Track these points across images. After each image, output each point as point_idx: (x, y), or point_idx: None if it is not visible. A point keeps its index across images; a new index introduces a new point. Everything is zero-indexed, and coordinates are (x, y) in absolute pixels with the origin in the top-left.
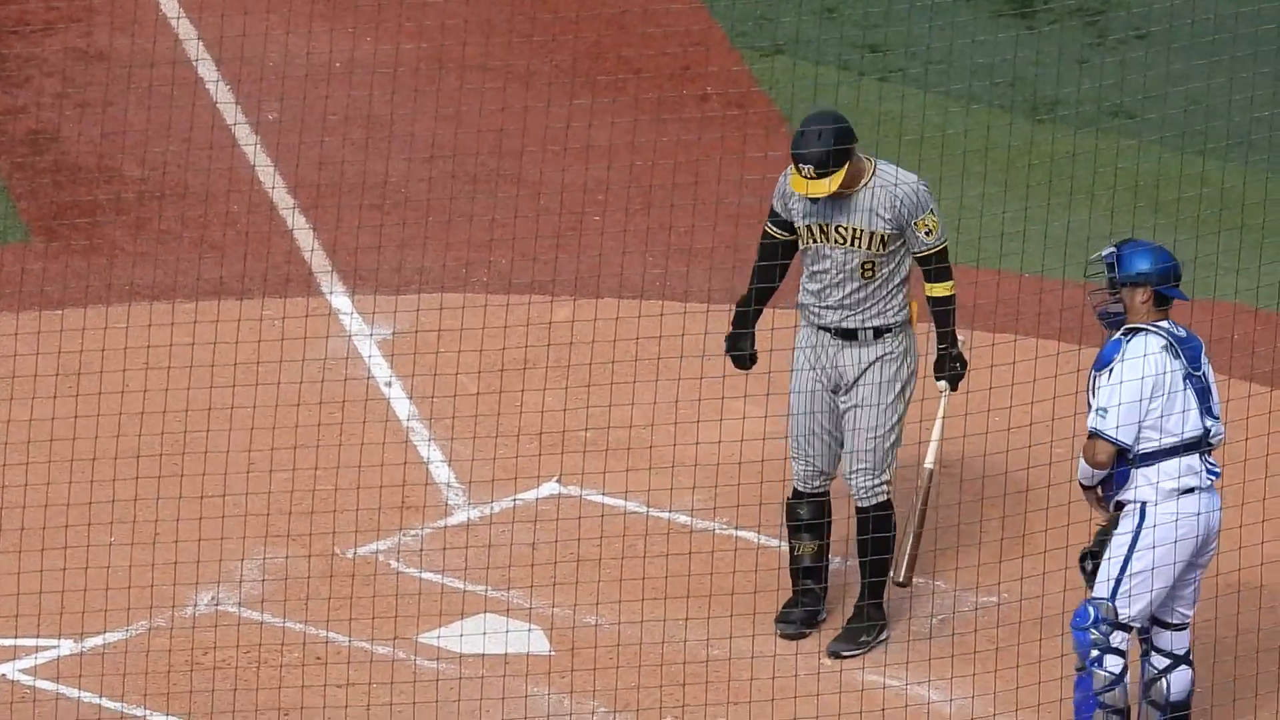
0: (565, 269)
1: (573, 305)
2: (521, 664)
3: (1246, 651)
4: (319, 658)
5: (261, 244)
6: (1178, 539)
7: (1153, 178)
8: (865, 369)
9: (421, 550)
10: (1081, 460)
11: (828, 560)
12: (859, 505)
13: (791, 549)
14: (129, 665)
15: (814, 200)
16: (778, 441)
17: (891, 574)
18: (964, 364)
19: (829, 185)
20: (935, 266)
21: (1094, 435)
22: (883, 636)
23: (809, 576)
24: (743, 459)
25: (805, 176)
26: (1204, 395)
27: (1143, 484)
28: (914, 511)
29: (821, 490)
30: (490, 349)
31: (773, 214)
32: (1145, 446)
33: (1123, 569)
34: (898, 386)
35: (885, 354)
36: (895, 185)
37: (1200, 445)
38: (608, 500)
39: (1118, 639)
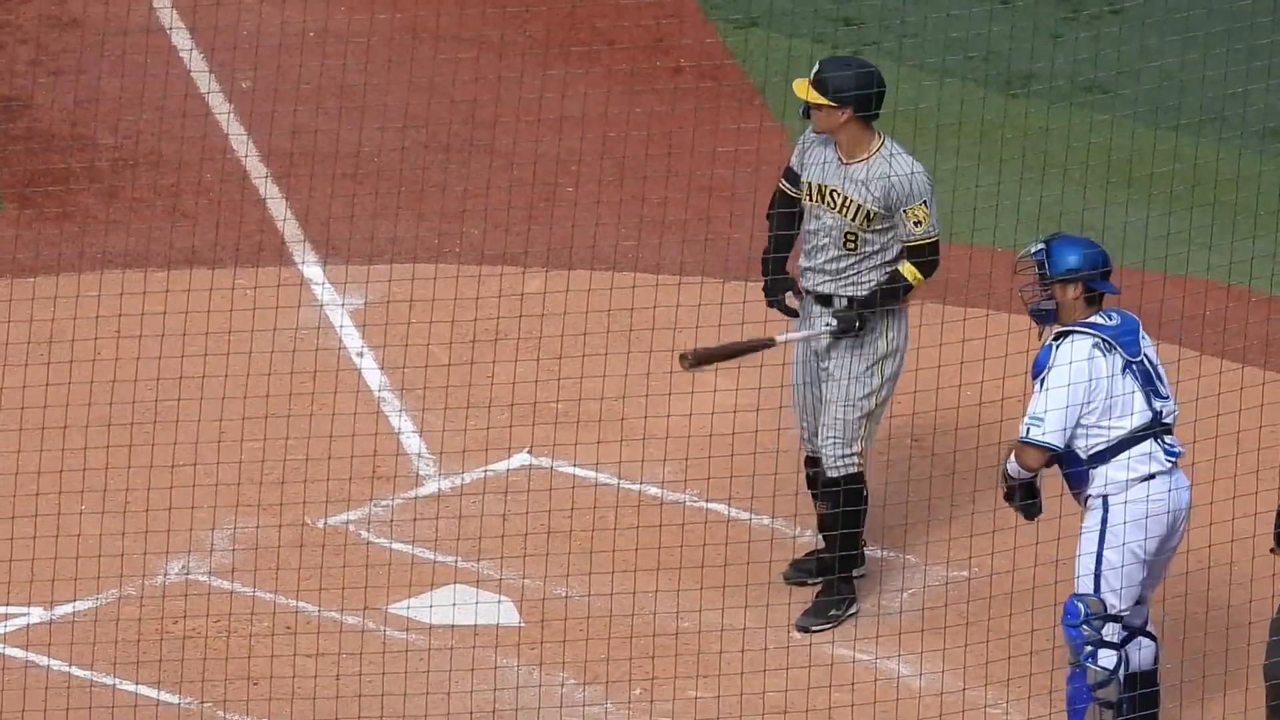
0: (538, 240)
1: (545, 276)
2: (491, 635)
3: (1217, 627)
4: (289, 627)
5: (234, 213)
6: (1147, 526)
7: (1126, 153)
8: (839, 340)
9: (392, 520)
10: (1011, 459)
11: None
12: (829, 475)
13: (817, 509)
14: (99, 634)
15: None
16: (748, 414)
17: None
18: (857, 323)
19: (807, 94)
20: (917, 259)
21: (1025, 443)
22: (852, 611)
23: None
24: (714, 432)
25: (807, 77)
26: (1148, 379)
27: (1100, 480)
28: (768, 338)
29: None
30: (462, 320)
31: (788, 170)
32: (1096, 445)
33: (1098, 562)
34: (869, 359)
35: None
36: (891, 168)
37: (1153, 428)
38: (579, 472)
39: (1109, 631)
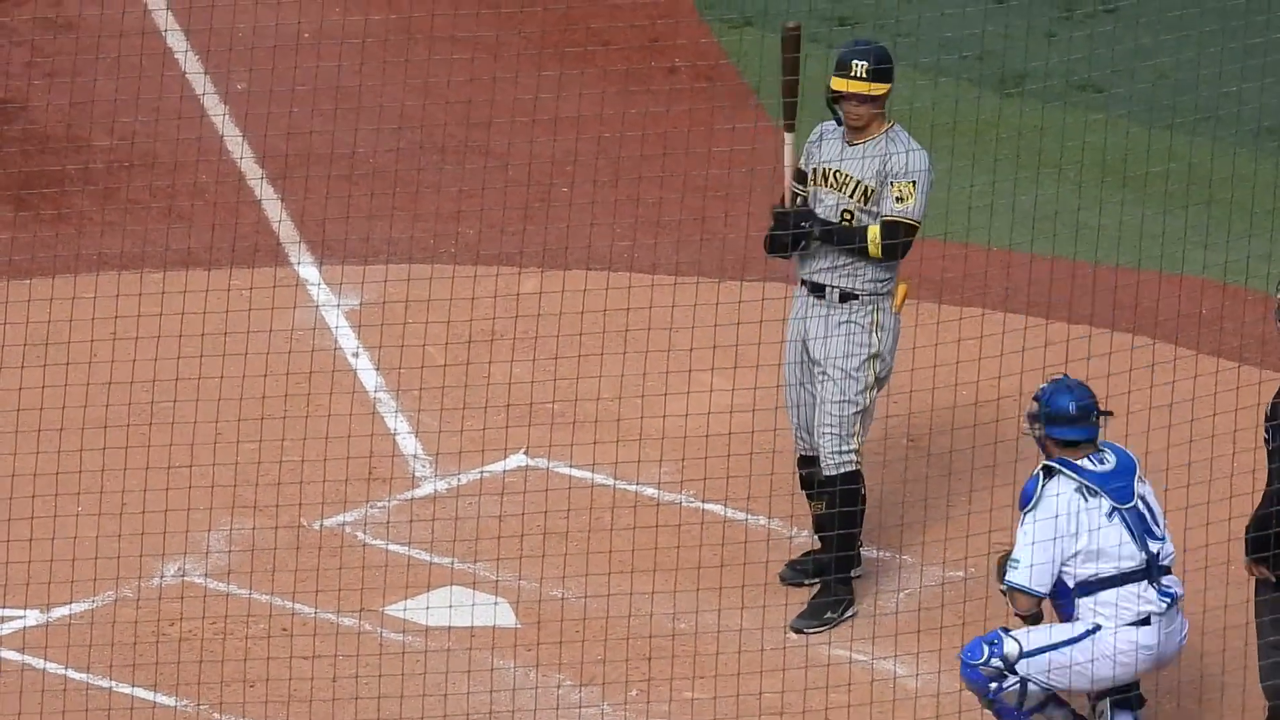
0: (533, 240)
1: (540, 277)
2: (488, 637)
3: (1213, 628)
4: (285, 629)
5: (230, 214)
6: (1118, 665)
7: (1121, 152)
8: (830, 336)
9: (388, 522)
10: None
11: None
12: (825, 474)
13: (811, 510)
14: (95, 636)
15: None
16: (744, 414)
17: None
18: (775, 228)
19: (868, 89)
20: (888, 236)
21: (1010, 588)
22: (849, 613)
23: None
24: (710, 432)
25: (855, 76)
26: (1141, 522)
27: (1088, 611)
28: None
29: (814, 450)
30: (458, 320)
31: (798, 173)
32: (1083, 575)
33: (1051, 651)
34: (862, 356)
35: (850, 321)
36: (892, 144)
37: (1150, 572)
38: (575, 473)
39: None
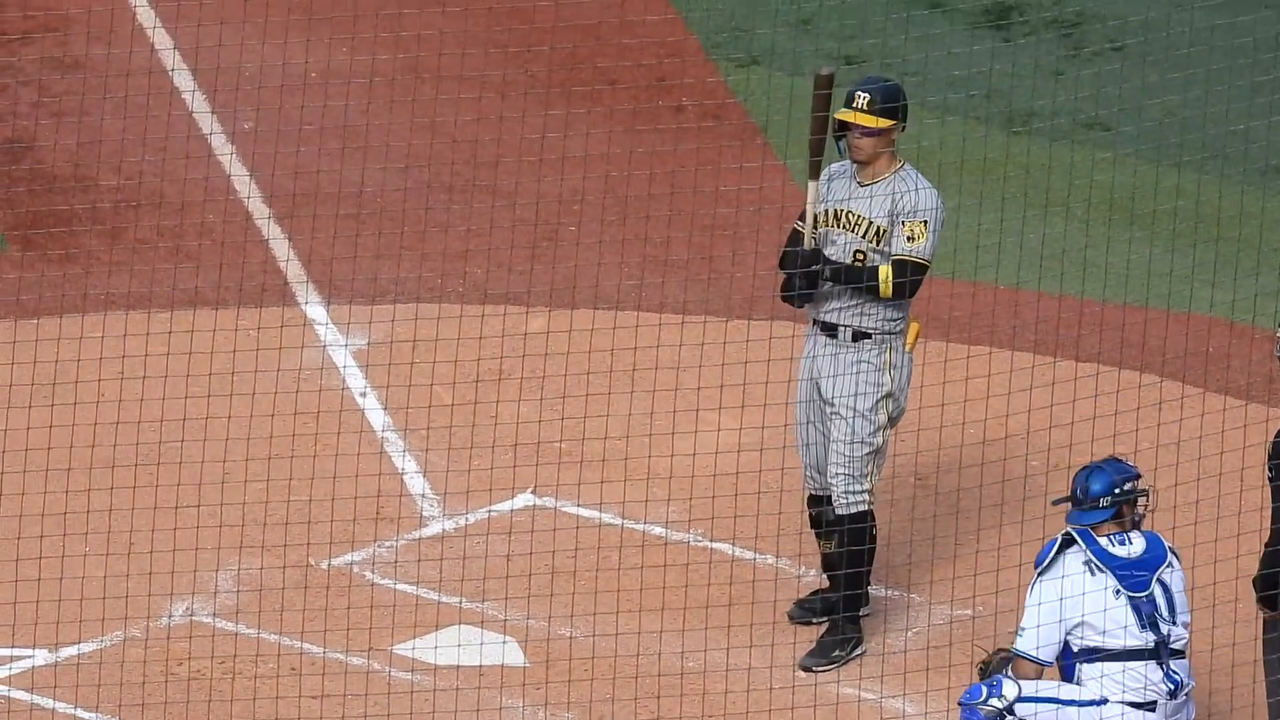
0: (540, 280)
1: (548, 316)
2: (496, 676)
3: (1221, 666)
4: (294, 669)
5: (237, 254)
6: None
7: (1128, 190)
8: (842, 375)
9: (396, 561)
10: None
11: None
12: (836, 513)
13: (820, 548)
14: (104, 675)
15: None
16: (752, 454)
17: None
18: (789, 266)
19: (875, 122)
20: (897, 275)
21: (1016, 655)
22: (858, 651)
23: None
24: (718, 471)
25: (857, 108)
26: (1152, 608)
27: (1093, 683)
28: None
29: (825, 490)
30: (465, 359)
31: (804, 212)
32: (1088, 644)
33: (1056, 706)
34: (875, 397)
35: (862, 361)
36: (903, 183)
37: (1158, 654)
38: (583, 512)
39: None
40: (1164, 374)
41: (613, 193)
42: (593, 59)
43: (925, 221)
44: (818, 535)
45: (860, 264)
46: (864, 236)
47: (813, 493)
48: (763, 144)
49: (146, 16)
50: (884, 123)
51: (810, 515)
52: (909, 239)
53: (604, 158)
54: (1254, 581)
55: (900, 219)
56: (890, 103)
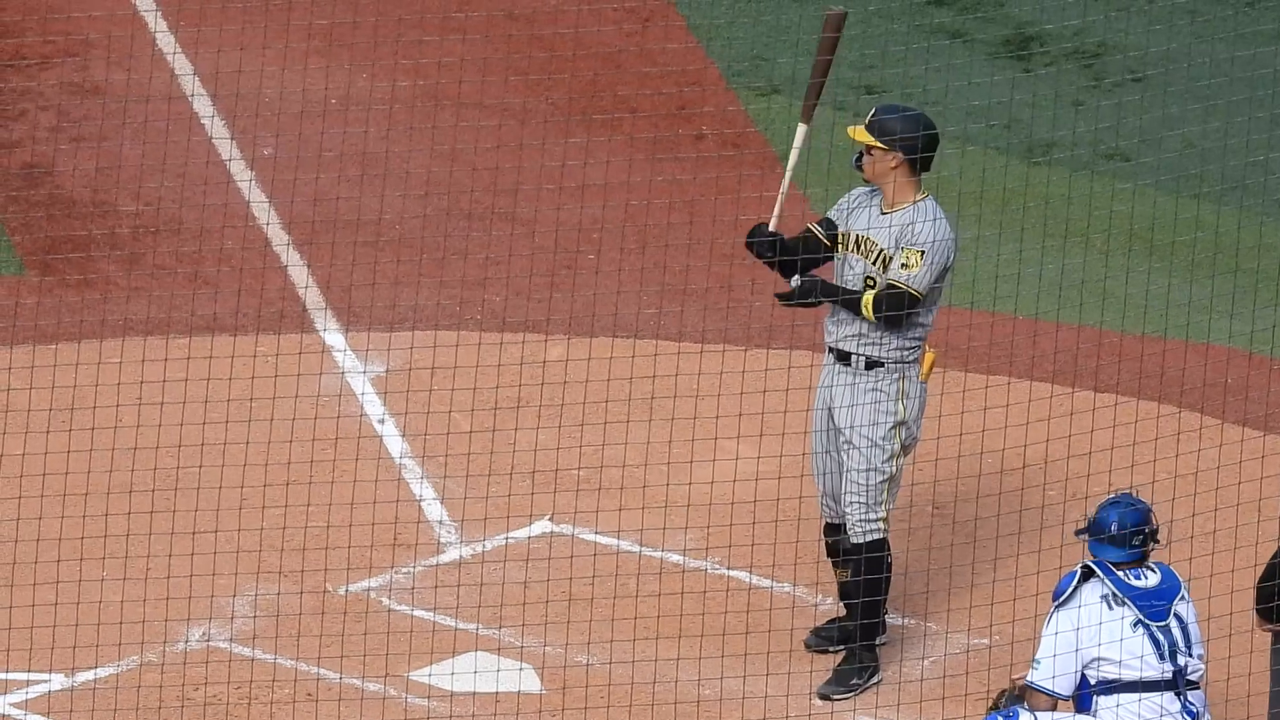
0: (559, 307)
1: (566, 344)
2: (513, 702)
3: (1237, 695)
4: (310, 694)
5: (255, 280)
6: None
7: (1148, 221)
8: (855, 404)
9: (413, 588)
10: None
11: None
12: (852, 542)
13: (837, 577)
14: (120, 700)
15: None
16: (770, 482)
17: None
18: (787, 297)
19: (866, 135)
20: (887, 304)
21: (1030, 687)
22: (875, 679)
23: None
24: (735, 499)
25: (862, 125)
26: (1170, 639)
27: (1108, 715)
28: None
29: (841, 518)
30: (484, 387)
31: (824, 219)
32: (1105, 676)
33: None
34: (888, 424)
35: (876, 389)
36: (920, 214)
37: (1176, 684)
38: (600, 539)
39: None
40: (1182, 404)
41: (632, 221)
42: (613, 87)
43: (923, 252)
44: (834, 564)
45: (870, 288)
46: (875, 263)
47: (829, 521)
48: (782, 173)
49: (166, 42)
50: (872, 141)
51: (827, 544)
52: (904, 265)
53: (624, 186)
54: (1257, 592)
55: (902, 245)
56: (891, 131)
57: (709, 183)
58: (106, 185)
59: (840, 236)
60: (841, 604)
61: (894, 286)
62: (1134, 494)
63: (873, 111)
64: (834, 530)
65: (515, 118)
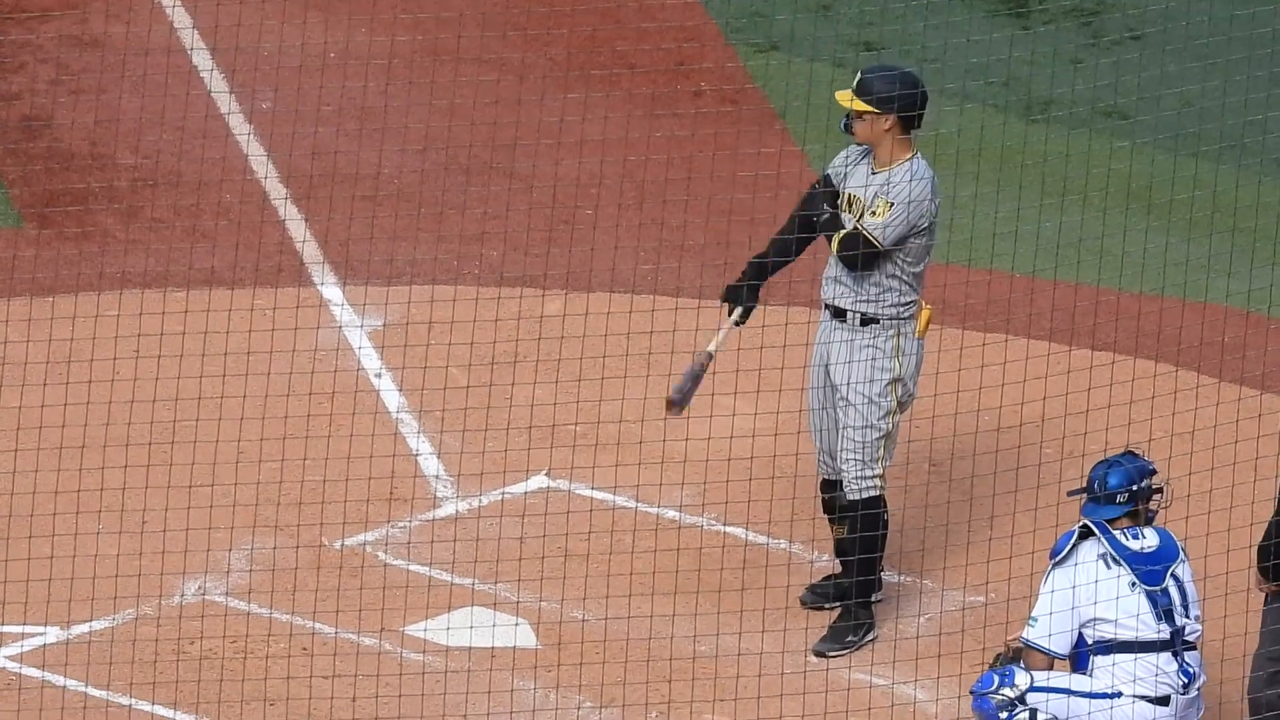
0: (557, 263)
1: (564, 299)
2: (508, 658)
3: (1233, 655)
4: (305, 649)
5: (253, 234)
6: None
7: (1146, 179)
8: (852, 361)
9: (409, 542)
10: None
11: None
12: (848, 498)
13: (833, 533)
14: (115, 654)
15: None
16: (767, 438)
17: (669, 394)
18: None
19: (854, 103)
20: (847, 244)
21: (1026, 645)
22: (870, 636)
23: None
24: (732, 455)
25: (849, 88)
26: (1167, 600)
27: (1104, 674)
28: (704, 352)
29: (838, 474)
30: (481, 342)
31: (825, 177)
32: (1101, 636)
33: (1069, 696)
34: (884, 381)
35: (871, 346)
36: (904, 172)
37: (1173, 645)
38: (597, 494)
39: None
40: (1179, 363)
41: (630, 176)
42: (611, 43)
43: (893, 204)
44: (830, 520)
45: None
46: (860, 217)
47: (826, 478)
48: (781, 129)
49: None
50: (860, 106)
51: (823, 500)
52: (871, 213)
53: (622, 141)
54: (1258, 550)
55: (878, 196)
56: (881, 92)
57: (707, 139)
58: (105, 138)
59: (842, 196)
60: (838, 561)
61: (855, 231)
62: (1137, 453)
63: (859, 75)
64: (830, 487)
65: (514, 73)
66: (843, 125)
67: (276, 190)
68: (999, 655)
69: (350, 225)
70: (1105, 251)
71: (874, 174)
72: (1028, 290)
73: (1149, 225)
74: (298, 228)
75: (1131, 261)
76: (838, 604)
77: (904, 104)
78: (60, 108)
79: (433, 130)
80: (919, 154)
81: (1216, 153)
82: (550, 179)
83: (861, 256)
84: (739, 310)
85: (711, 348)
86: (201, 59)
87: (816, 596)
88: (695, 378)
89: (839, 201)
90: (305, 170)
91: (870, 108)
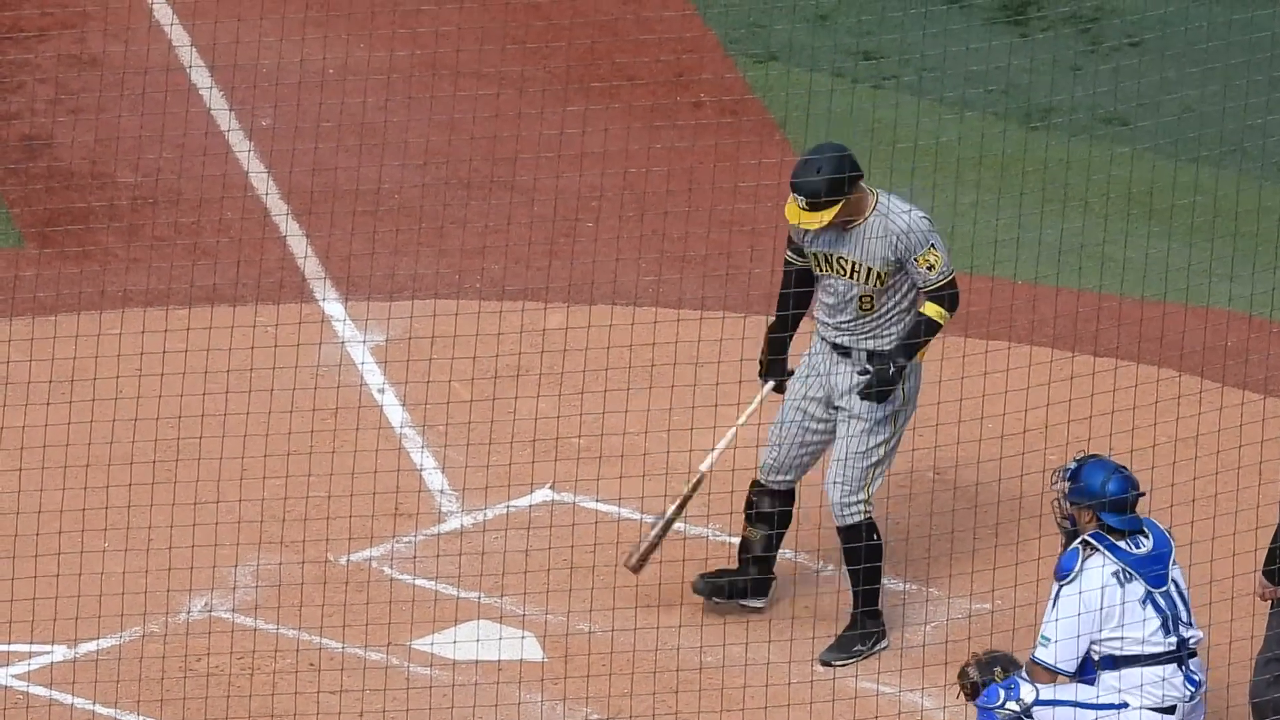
0: (558, 276)
1: (566, 312)
2: (515, 671)
3: (1240, 660)
4: (312, 664)
5: (255, 250)
6: None
7: (1146, 185)
8: (855, 387)
9: (415, 557)
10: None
11: (776, 551)
12: (836, 525)
13: (744, 531)
14: (122, 671)
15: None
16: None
17: (626, 560)
18: (882, 390)
19: (820, 219)
20: (937, 301)
21: (1034, 662)
22: (880, 646)
23: (756, 563)
24: (736, 466)
25: (800, 208)
26: (1173, 606)
27: (1110, 689)
28: (666, 515)
29: (779, 485)
30: (483, 355)
31: (789, 241)
32: (1109, 651)
33: (1075, 709)
34: (887, 409)
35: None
36: (892, 222)
37: (1178, 655)
38: (601, 507)
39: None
40: (1182, 368)
41: (631, 189)
42: (611, 55)
43: (933, 245)
44: (747, 519)
45: (870, 307)
46: (865, 282)
47: (758, 478)
48: (781, 139)
49: (163, 13)
50: (831, 211)
51: (749, 498)
52: (929, 268)
53: (622, 154)
54: (1268, 553)
55: (910, 258)
56: (830, 190)
57: (707, 150)
58: (105, 157)
59: (810, 257)
60: (736, 556)
61: (935, 287)
62: (1106, 457)
63: (799, 196)
64: (765, 493)
65: (513, 86)
66: (806, 239)
67: (277, 206)
68: (969, 665)
69: (351, 241)
70: (1107, 257)
71: (847, 230)
72: (1030, 297)
73: (1150, 231)
74: (299, 244)
75: (1133, 267)
76: (720, 600)
77: (853, 171)
78: (60, 127)
79: (433, 145)
80: (871, 190)
81: (1217, 157)
82: (551, 192)
83: (953, 297)
84: (771, 383)
85: (704, 466)
86: (200, 77)
87: (706, 583)
88: (669, 523)
89: (812, 259)
90: (306, 186)
91: (837, 202)
